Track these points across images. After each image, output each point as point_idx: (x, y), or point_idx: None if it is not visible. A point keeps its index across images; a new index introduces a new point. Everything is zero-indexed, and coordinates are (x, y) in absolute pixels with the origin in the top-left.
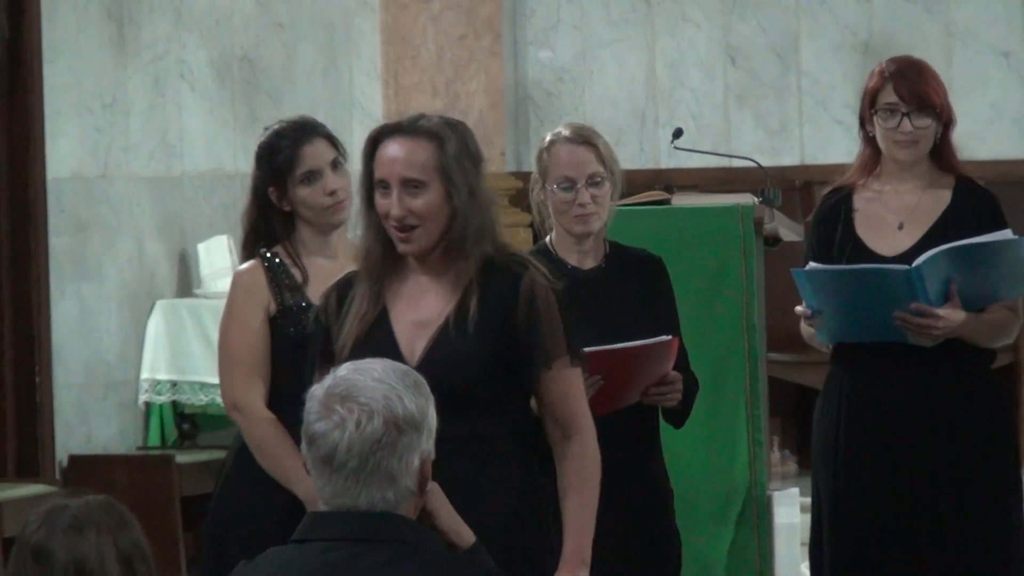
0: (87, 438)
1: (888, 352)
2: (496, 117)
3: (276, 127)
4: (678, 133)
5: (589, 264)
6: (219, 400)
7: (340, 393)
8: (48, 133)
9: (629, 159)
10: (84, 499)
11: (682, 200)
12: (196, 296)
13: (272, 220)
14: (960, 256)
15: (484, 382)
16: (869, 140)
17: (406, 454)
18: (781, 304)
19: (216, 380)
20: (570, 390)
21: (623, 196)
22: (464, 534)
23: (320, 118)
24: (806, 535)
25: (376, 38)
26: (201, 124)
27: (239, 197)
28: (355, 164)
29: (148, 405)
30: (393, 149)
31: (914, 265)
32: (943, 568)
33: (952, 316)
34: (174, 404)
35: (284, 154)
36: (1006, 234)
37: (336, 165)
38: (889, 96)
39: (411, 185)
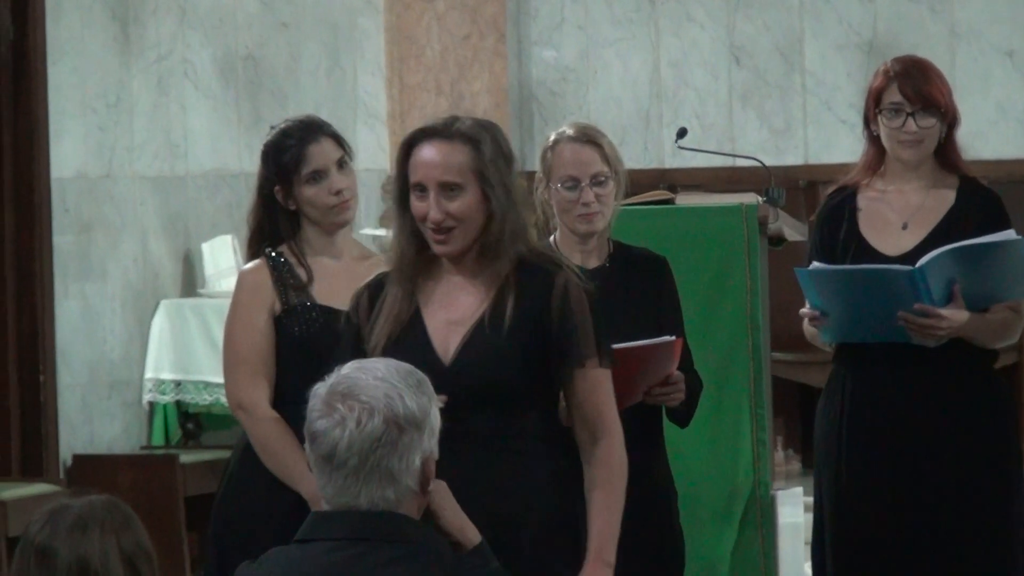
0: (91, 437)
1: (890, 352)
2: (500, 116)
3: (282, 126)
4: (682, 133)
5: (593, 264)
6: (223, 400)
7: (342, 391)
8: (52, 133)
9: (633, 159)
10: (88, 499)
11: (686, 200)
12: (200, 295)
13: (277, 219)
14: (964, 256)
15: (518, 379)
16: (873, 139)
17: (407, 453)
18: (785, 304)
19: (220, 380)
20: (599, 390)
21: (627, 196)
22: (469, 534)
23: (324, 117)
24: (810, 535)
25: (380, 37)
26: (205, 123)
27: (243, 196)
28: (360, 164)
29: (152, 405)
30: (429, 153)
31: (918, 265)
32: (944, 567)
33: (955, 316)
34: (178, 404)
35: (290, 153)
36: (1010, 234)
37: (342, 164)
38: (894, 96)
39: (448, 188)
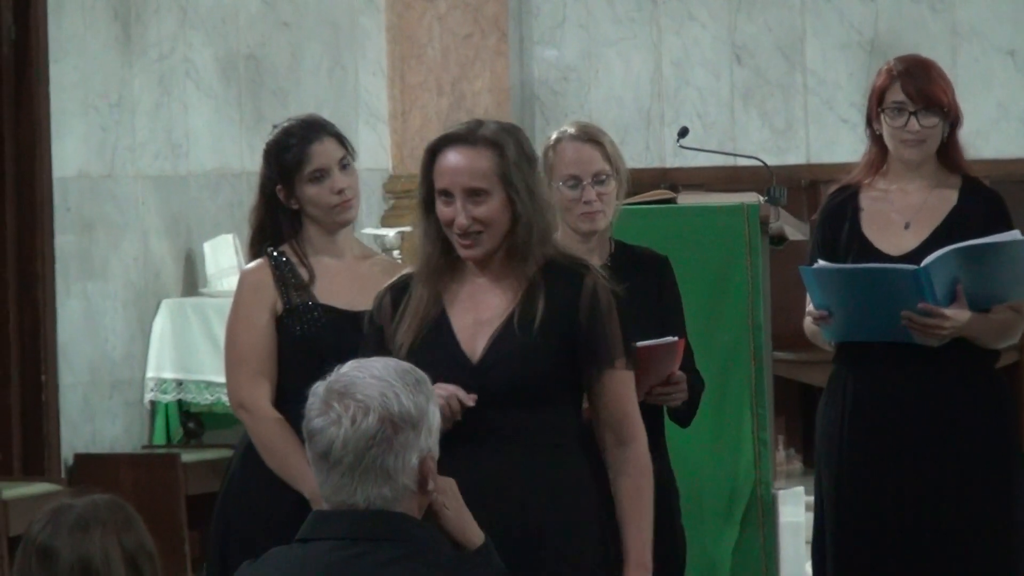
0: (93, 437)
1: (892, 351)
2: (502, 116)
3: (285, 125)
4: (684, 132)
5: (594, 263)
6: (225, 399)
7: (338, 390)
8: (54, 132)
9: (635, 158)
10: (90, 498)
11: (687, 199)
12: (202, 295)
13: (279, 219)
14: (968, 256)
15: (546, 377)
16: (876, 139)
17: (403, 452)
18: (786, 303)
19: (222, 379)
20: (626, 393)
21: (628, 195)
22: (471, 534)
23: (325, 117)
24: (811, 534)
25: (382, 37)
26: (207, 123)
27: (245, 196)
28: (362, 163)
29: (154, 404)
30: (454, 159)
31: (922, 265)
32: (945, 567)
33: (959, 316)
34: (180, 403)
35: (293, 152)
36: (1015, 234)
37: (344, 164)
38: (897, 95)
39: (474, 194)
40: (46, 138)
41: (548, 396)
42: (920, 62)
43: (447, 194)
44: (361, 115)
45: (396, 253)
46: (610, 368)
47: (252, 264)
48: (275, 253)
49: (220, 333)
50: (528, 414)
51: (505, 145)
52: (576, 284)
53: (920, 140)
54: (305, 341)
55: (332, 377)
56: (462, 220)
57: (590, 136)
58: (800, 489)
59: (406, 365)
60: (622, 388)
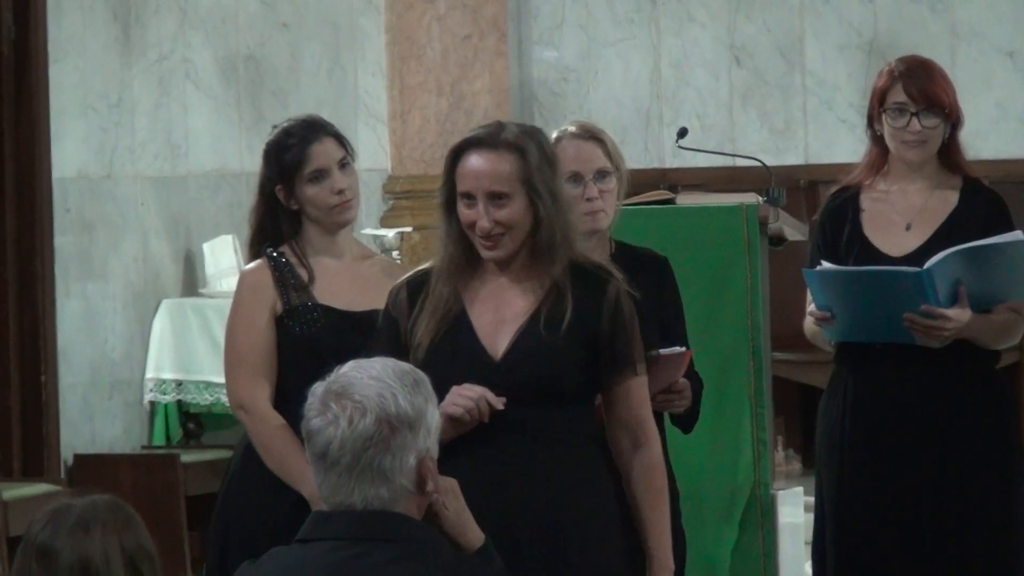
0: (92, 437)
1: (892, 351)
2: (501, 117)
3: (285, 125)
4: (683, 132)
5: None
6: (224, 399)
7: (336, 390)
8: (54, 133)
9: (634, 158)
10: (89, 498)
11: (687, 199)
12: (201, 295)
13: (279, 219)
14: (971, 257)
15: (569, 376)
16: (877, 139)
17: (400, 452)
18: (785, 304)
19: (221, 379)
20: (642, 397)
21: (628, 195)
22: (471, 535)
23: (325, 117)
24: (810, 534)
25: (381, 38)
26: (206, 123)
27: (244, 196)
28: (361, 164)
29: (153, 404)
30: (477, 162)
31: (926, 267)
32: (946, 567)
33: (960, 317)
34: (179, 403)
35: (293, 152)
36: (1017, 235)
37: (344, 164)
38: (898, 95)
39: (496, 197)
40: (46, 139)
41: (569, 395)
42: (922, 63)
43: (469, 197)
44: (360, 116)
45: (395, 254)
46: (631, 375)
47: (251, 265)
48: (274, 254)
49: (219, 334)
50: (549, 411)
51: (527, 149)
52: (600, 290)
53: (921, 141)
54: (304, 341)
55: (331, 378)
56: (484, 223)
57: (591, 134)
58: (799, 490)
59: (405, 366)
60: (641, 393)
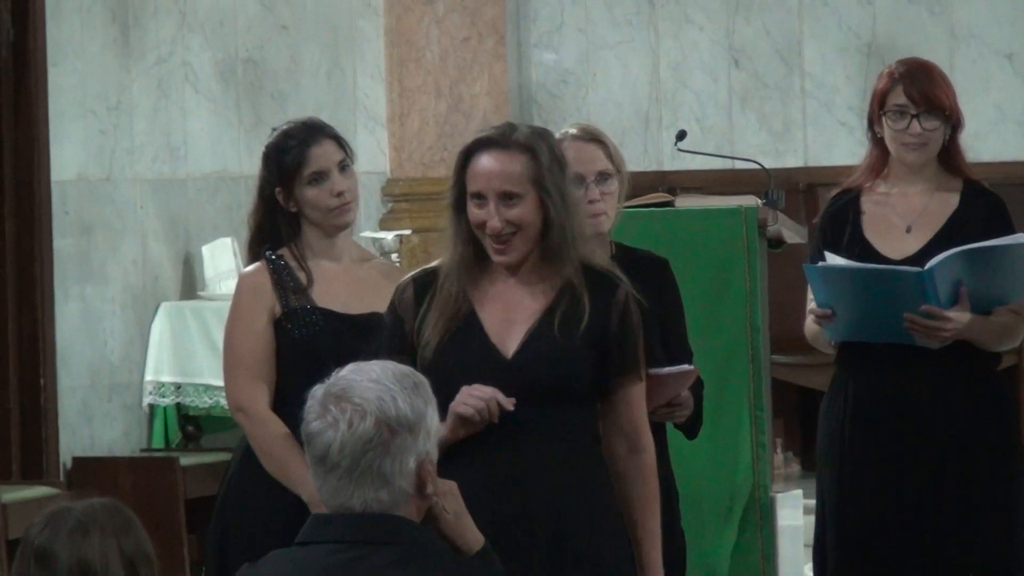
0: (91, 440)
1: (893, 353)
2: (500, 119)
3: (284, 127)
4: (682, 135)
5: None
6: (223, 402)
7: (336, 393)
8: (52, 135)
9: (633, 161)
10: (88, 501)
11: (685, 202)
12: (200, 298)
13: (278, 221)
14: (973, 258)
15: (579, 378)
16: (877, 142)
17: (400, 455)
18: (784, 306)
19: (220, 382)
20: (641, 403)
21: (627, 198)
22: (470, 538)
23: (324, 120)
24: (809, 537)
25: (380, 40)
26: (205, 126)
27: (243, 199)
28: (360, 166)
29: (152, 407)
30: (488, 163)
31: (927, 267)
32: (947, 570)
33: (961, 318)
34: (178, 406)
35: (292, 154)
36: (1018, 237)
37: (343, 166)
38: (899, 97)
39: (507, 197)
40: (44, 141)
41: (578, 396)
42: (922, 65)
43: (480, 197)
44: (359, 118)
45: (394, 256)
46: (635, 380)
47: (250, 268)
48: (273, 256)
49: (218, 336)
50: (558, 411)
51: (538, 149)
52: (611, 293)
53: (922, 143)
54: (303, 344)
55: (330, 380)
56: (495, 223)
57: (592, 136)
58: (798, 492)
59: (405, 369)
60: (640, 399)
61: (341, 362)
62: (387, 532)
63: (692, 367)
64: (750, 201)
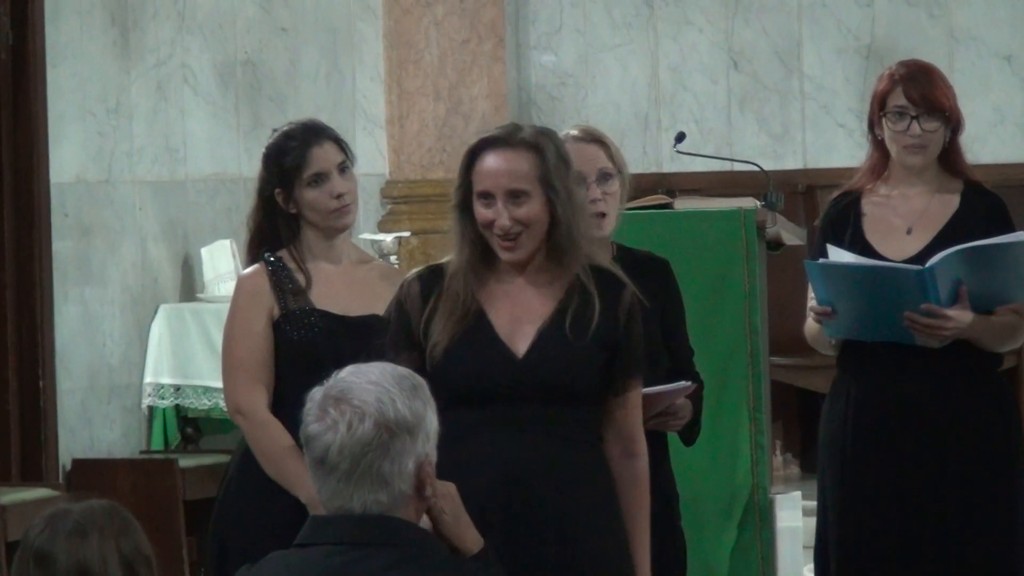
0: (90, 442)
1: (894, 355)
2: (499, 121)
3: (284, 129)
4: (681, 137)
5: None
6: (222, 404)
7: (335, 395)
8: (52, 138)
9: (632, 163)
10: (87, 503)
11: (685, 204)
12: (199, 300)
13: (277, 222)
14: (973, 257)
15: (589, 377)
16: (878, 144)
17: (399, 457)
18: (783, 308)
19: (219, 384)
20: (638, 408)
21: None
22: (469, 540)
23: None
24: (809, 539)
25: (379, 42)
26: (204, 128)
27: (242, 201)
28: (359, 168)
29: (151, 409)
30: (495, 161)
31: (927, 265)
32: (948, 571)
33: (961, 317)
34: (177, 408)
35: (292, 156)
36: (1020, 236)
37: (343, 168)
38: (899, 99)
39: (515, 195)
40: (43, 143)
41: (586, 396)
42: (922, 67)
43: (487, 196)
44: (358, 120)
45: (393, 258)
46: (636, 383)
47: (249, 269)
48: (272, 258)
49: (217, 338)
50: (564, 411)
51: (545, 148)
52: (618, 294)
53: (922, 145)
54: (302, 346)
55: (329, 382)
56: (503, 221)
57: (593, 137)
58: (797, 494)
59: (404, 371)
60: (638, 404)
61: (340, 364)
62: (386, 534)
63: (687, 384)
64: (749, 203)
